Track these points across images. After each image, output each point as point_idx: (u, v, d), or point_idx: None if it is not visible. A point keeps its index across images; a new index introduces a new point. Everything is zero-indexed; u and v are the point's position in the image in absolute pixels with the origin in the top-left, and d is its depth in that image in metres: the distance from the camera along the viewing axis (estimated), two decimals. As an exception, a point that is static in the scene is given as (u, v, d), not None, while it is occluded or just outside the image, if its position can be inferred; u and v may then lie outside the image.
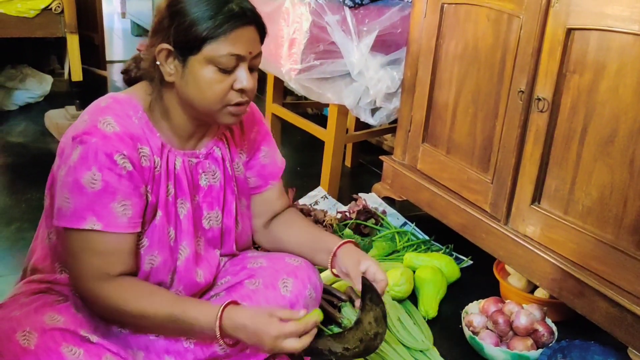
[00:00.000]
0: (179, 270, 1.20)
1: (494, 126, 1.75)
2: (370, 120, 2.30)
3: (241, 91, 1.12)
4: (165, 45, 1.09)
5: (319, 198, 2.37)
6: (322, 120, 2.83)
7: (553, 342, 1.51)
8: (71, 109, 3.01)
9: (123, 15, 6.06)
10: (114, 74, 4.11)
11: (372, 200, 2.27)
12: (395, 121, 2.28)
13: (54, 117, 3.00)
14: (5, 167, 2.59)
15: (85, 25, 3.38)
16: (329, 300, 1.51)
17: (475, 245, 1.84)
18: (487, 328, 1.56)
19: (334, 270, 1.30)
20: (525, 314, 1.53)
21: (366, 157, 2.99)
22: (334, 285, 1.61)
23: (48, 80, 3.52)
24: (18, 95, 3.36)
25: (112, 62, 4.36)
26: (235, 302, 1.12)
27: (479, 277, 1.92)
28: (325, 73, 2.24)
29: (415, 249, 2.04)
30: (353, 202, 2.17)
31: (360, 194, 2.23)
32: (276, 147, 1.41)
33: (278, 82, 2.79)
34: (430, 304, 1.70)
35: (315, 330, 1.11)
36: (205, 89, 1.09)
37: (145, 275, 1.16)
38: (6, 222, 2.09)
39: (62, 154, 1.10)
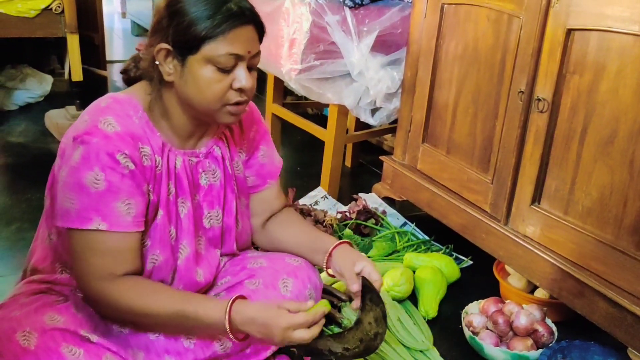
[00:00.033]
0: (179, 270, 1.21)
1: (494, 126, 1.75)
2: (370, 121, 2.30)
3: (240, 90, 1.12)
4: (164, 45, 1.09)
5: (319, 198, 2.37)
6: (322, 120, 2.83)
7: (553, 342, 1.52)
8: (71, 109, 3.01)
9: (123, 15, 6.06)
10: (114, 74, 4.11)
11: (372, 200, 2.27)
12: (395, 121, 2.28)
13: (54, 117, 3.00)
14: (5, 167, 2.59)
15: (85, 25, 3.38)
16: (329, 300, 1.50)
17: (475, 246, 1.84)
18: (487, 328, 1.56)
19: (330, 271, 1.31)
20: (525, 314, 1.53)
21: (366, 157, 2.99)
22: (334, 286, 1.61)
23: (48, 80, 3.52)
24: (18, 95, 3.36)
25: (112, 62, 4.36)
26: (242, 297, 1.13)
27: (478, 277, 1.92)
28: (325, 73, 2.24)
29: (415, 249, 2.04)
30: (353, 202, 2.17)
31: (360, 194, 2.23)
32: (274, 147, 1.42)
33: (278, 82, 2.79)
34: (430, 304, 1.70)
35: (323, 321, 1.13)
36: (204, 89, 1.10)
37: (147, 274, 1.16)
38: (6, 222, 2.09)
39: (63, 154, 1.11)
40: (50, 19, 2.82)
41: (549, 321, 1.60)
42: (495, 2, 1.71)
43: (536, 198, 1.62)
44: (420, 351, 1.52)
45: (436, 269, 1.81)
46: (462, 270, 1.92)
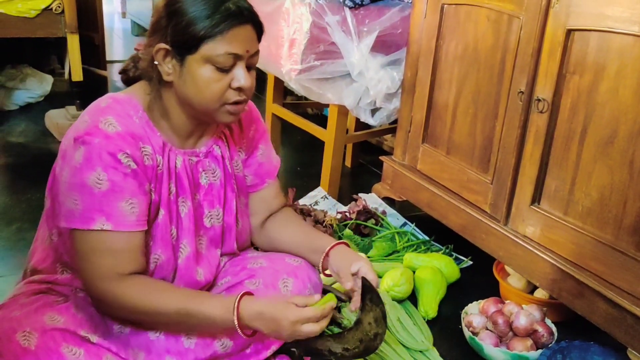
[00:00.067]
0: (179, 269, 1.21)
1: (494, 127, 1.75)
2: (370, 121, 2.30)
3: (239, 90, 1.12)
4: (163, 45, 1.09)
5: (319, 198, 2.37)
6: (322, 121, 2.83)
7: (553, 342, 1.52)
8: (71, 109, 3.01)
9: (123, 15, 6.06)
10: (114, 74, 4.10)
11: (372, 200, 2.28)
12: (395, 121, 2.28)
13: (54, 117, 3.00)
14: (5, 167, 2.59)
15: (85, 25, 3.38)
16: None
17: (475, 246, 1.84)
18: (487, 328, 1.57)
19: (327, 271, 1.31)
20: (525, 315, 1.53)
21: (366, 158, 2.99)
22: (333, 286, 1.61)
23: (48, 80, 3.52)
24: (18, 95, 3.37)
25: (112, 62, 4.36)
26: (249, 293, 1.13)
27: (478, 278, 1.93)
28: (325, 73, 2.24)
29: (415, 250, 2.04)
30: (353, 203, 2.18)
31: (360, 194, 2.23)
32: (272, 146, 1.42)
33: (278, 82, 2.79)
34: (430, 305, 1.70)
35: (331, 314, 1.14)
36: (203, 88, 1.10)
37: (149, 273, 1.16)
38: (6, 222, 2.09)
39: (65, 155, 1.10)
40: (51, 19, 2.82)
41: (548, 321, 1.60)
42: (495, 3, 1.71)
43: (536, 198, 1.62)
44: (420, 351, 1.52)
45: (436, 269, 1.81)
46: (461, 270, 1.92)
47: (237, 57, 1.10)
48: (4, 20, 2.75)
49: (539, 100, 1.56)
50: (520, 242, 1.65)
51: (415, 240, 2.09)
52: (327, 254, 1.29)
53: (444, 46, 1.94)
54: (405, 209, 2.29)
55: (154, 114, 1.16)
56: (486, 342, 1.51)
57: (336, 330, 1.39)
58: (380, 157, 2.31)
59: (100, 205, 1.06)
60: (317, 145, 2.59)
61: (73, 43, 2.86)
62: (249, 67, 1.14)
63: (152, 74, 1.14)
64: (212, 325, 1.13)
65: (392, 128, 2.63)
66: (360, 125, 2.70)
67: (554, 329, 1.57)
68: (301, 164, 2.89)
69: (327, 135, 2.43)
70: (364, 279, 1.21)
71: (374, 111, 2.30)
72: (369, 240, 2.04)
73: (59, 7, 2.80)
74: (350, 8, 2.20)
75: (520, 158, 1.65)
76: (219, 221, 1.28)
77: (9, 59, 3.48)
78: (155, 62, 1.11)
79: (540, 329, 1.52)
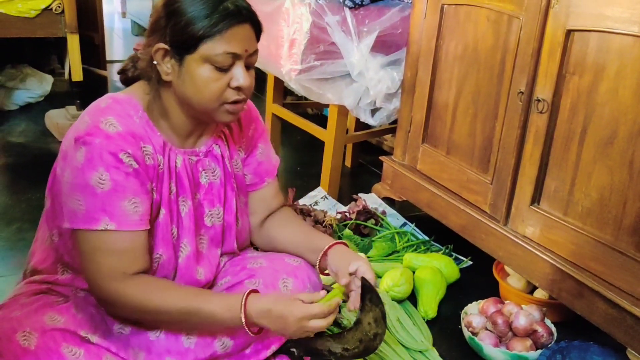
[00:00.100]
0: (179, 268, 1.21)
1: (494, 127, 1.75)
2: (370, 121, 2.30)
3: (238, 89, 1.12)
4: (162, 45, 1.09)
5: (319, 198, 2.37)
6: (322, 121, 2.83)
7: (552, 342, 1.52)
8: (71, 108, 3.01)
9: (123, 14, 6.07)
10: (114, 74, 4.10)
11: (372, 200, 2.28)
12: (395, 122, 2.28)
13: (54, 117, 3.00)
14: (5, 167, 2.59)
15: (85, 25, 3.38)
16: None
17: (474, 246, 1.84)
18: (487, 329, 1.57)
19: (325, 271, 1.31)
20: (525, 315, 1.53)
21: (366, 158, 3.00)
22: (333, 286, 1.61)
23: (48, 80, 3.52)
24: (18, 95, 3.37)
25: (112, 62, 4.36)
26: (255, 291, 1.14)
27: (478, 278, 1.93)
28: (325, 73, 2.24)
29: (415, 250, 2.04)
30: (353, 203, 2.18)
31: (360, 194, 2.23)
32: (271, 145, 1.42)
33: (278, 82, 2.79)
34: (429, 305, 1.70)
35: (338, 308, 1.14)
36: (202, 88, 1.10)
37: (152, 273, 1.16)
38: (6, 222, 2.09)
39: (66, 156, 1.11)
40: (51, 19, 2.82)
41: (548, 322, 1.60)
42: (495, 3, 1.71)
43: (536, 199, 1.62)
44: (420, 352, 1.52)
45: (436, 270, 1.81)
46: (461, 270, 1.92)
47: (235, 57, 1.10)
48: (4, 20, 2.75)
49: (538, 100, 1.57)
50: (520, 242, 1.65)
51: (415, 240, 2.09)
52: (325, 253, 1.29)
53: (443, 46, 1.94)
54: (405, 209, 2.29)
55: (154, 114, 1.17)
56: (486, 342, 1.51)
57: (336, 330, 1.39)
58: (380, 157, 2.31)
59: (103, 205, 1.06)
60: (317, 145, 2.59)
61: (73, 43, 2.86)
62: (248, 67, 1.14)
63: (151, 73, 1.14)
64: (218, 323, 1.13)
65: (392, 128, 2.63)
66: (360, 125, 2.70)
67: (553, 329, 1.57)
68: (301, 164, 2.89)
69: (327, 135, 2.43)
70: (363, 279, 1.21)
71: (374, 111, 2.30)
72: (369, 240, 2.04)
73: (59, 7, 2.80)
74: (350, 8, 2.20)
75: (520, 158, 1.65)
76: (219, 220, 1.28)
77: (9, 59, 3.48)
78: (154, 62, 1.11)
79: (539, 329, 1.52)
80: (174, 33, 1.08)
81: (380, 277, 1.78)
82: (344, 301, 1.53)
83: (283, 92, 2.91)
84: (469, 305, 1.67)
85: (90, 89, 2.96)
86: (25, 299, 1.15)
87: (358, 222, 2.08)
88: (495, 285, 1.83)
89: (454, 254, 2.03)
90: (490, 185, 1.77)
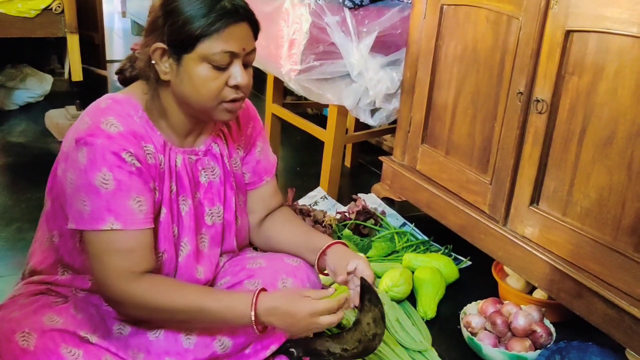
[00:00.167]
0: (180, 267, 1.21)
1: (493, 127, 1.76)
2: (370, 121, 2.30)
3: (236, 87, 1.12)
4: (160, 44, 1.09)
5: (319, 198, 2.37)
6: (322, 121, 2.83)
7: (551, 343, 1.52)
8: (71, 108, 3.02)
9: (123, 14, 6.07)
10: (114, 74, 4.11)
11: (371, 200, 2.28)
12: (394, 122, 2.28)
13: (54, 117, 3.00)
14: (5, 167, 2.59)
15: (85, 25, 3.38)
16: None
17: (474, 246, 1.84)
18: (486, 329, 1.57)
19: (325, 271, 1.31)
20: (524, 315, 1.53)
21: (366, 158, 3.00)
22: (333, 286, 1.61)
23: (48, 79, 3.53)
24: (18, 94, 3.37)
25: (112, 61, 4.37)
26: (264, 289, 1.14)
27: (477, 278, 1.93)
28: (325, 74, 2.24)
29: (414, 250, 2.04)
30: (352, 203, 2.18)
31: (359, 195, 2.23)
32: (269, 143, 1.42)
33: (278, 82, 2.79)
34: (429, 305, 1.70)
35: (346, 304, 1.15)
36: (200, 87, 1.10)
37: (155, 271, 1.16)
38: (6, 222, 2.09)
39: (67, 158, 1.11)
40: (50, 19, 2.82)
41: (547, 322, 1.60)
42: (495, 3, 1.71)
43: (535, 199, 1.62)
44: (419, 352, 1.52)
45: (435, 270, 1.81)
46: (460, 270, 1.92)
47: (233, 55, 1.10)
48: (4, 20, 2.75)
49: (537, 101, 1.57)
50: (519, 242, 1.65)
51: (414, 240, 2.09)
52: (324, 252, 1.29)
53: (443, 47, 1.95)
54: (405, 209, 2.29)
55: (153, 114, 1.17)
56: (485, 343, 1.51)
57: (335, 330, 1.39)
58: (380, 158, 2.31)
59: (108, 205, 1.07)
60: (317, 146, 2.59)
61: (73, 43, 2.86)
62: (246, 65, 1.14)
63: (150, 73, 1.14)
64: (228, 320, 1.13)
65: (391, 128, 2.63)
66: (360, 125, 2.70)
67: (552, 329, 1.57)
68: (301, 164, 2.89)
69: (326, 135, 2.43)
70: (362, 279, 1.21)
71: (373, 111, 2.30)
72: (368, 240, 2.04)
73: (59, 7, 2.80)
74: (349, 8, 2.20)
75: (519, 159, 1.65)
76: (219, 219, 1.29)
77: (9, 59, 3.49)
78: (152, 62, 1.12)
79: (538, 329, 1.52)
80: (172, 32, 1.08)
81: (379, 277, 1.78)
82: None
83: (283, 92, 2.91)
84: (468, 305, 1.67)
85: (90, 89, 2.96)
86: (25, 300, 1.15)
87: (357, 222, 2.08)
88: (494, 285, 1.83)
89: (453, 254, 2.03)
90: (490, 185, 1.77)
